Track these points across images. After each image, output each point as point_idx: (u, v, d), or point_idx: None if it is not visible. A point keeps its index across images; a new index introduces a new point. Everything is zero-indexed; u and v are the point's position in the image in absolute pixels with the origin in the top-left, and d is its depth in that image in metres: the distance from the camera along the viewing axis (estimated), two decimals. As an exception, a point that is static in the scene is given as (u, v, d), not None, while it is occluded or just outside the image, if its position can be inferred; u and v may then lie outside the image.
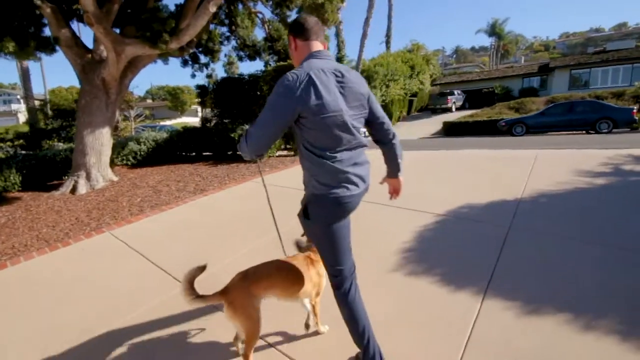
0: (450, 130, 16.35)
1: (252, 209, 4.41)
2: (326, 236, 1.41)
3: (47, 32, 5.26)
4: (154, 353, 1.93)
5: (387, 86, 20.57)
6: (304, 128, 1.30)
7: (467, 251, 2.75)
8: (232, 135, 7.36)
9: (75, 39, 5.34)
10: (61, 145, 7.52)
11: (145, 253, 3.34)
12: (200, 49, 8.61)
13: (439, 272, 2.46)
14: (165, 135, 7.81)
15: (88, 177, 5.63)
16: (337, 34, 20.26)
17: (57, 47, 5.32)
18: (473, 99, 24.81)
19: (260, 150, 1.29)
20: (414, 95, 23.94)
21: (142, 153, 7.38)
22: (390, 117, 21.09)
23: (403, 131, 19.40)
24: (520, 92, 23.86)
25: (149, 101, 47.62)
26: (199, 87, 9.69)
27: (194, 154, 8.68)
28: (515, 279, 2.27)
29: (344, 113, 1.30)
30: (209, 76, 9.24)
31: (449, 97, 23.22)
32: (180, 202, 5.03)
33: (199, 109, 40.59)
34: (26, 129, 13.22)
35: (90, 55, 5.50)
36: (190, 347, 1.95)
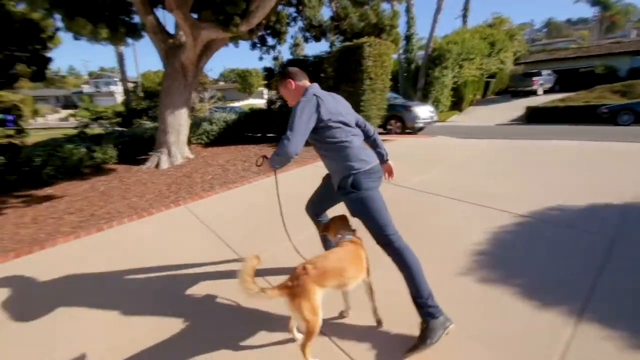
0: (534, 116, 14.42)
1: (307, 193, 4.42)
2: (376, 200, 1.78)
3: (136, 19, 5.81)
4: (211, 316, 2.05)
5: (461, 66, 18.81)
6: (323, 129, 1.81)
7: (556, 262, 2.37)
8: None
9: (159, 25, 5.80)
10: (148, 124, 8.41)
11: (213, 228, 3.58)
12: (268, 32, 8.75)
13: (518, 282, 2.16)
14: (234, 116, 8.24)
15: (169, 154, 6.22)
16: (408, 10, 18.91)
17: (144, 33, 5.84)
18: (566, 81, 21.34)
19: (298, 151, 1.71)
20: (492, 76, 21.53)
21: (213, 133, 7.92)
22: (462, 100, 19.37)
23: (476, 116, 17.73)
24: (629, 72, 19.81)
25: (221, 83, 50.85)
26: (265, 69, 9.93)
27: (259, 135, 9.04)
28: (622, 305, 1.88)
29: (344, 115, 1.89)
30: (275, 58, 9.39)
31: (535, 78, 20.34)
32: (245, 181, 5.28)
33: (265, 90, 42.16)
34: (122, 108, 15.17)
35: (171, 41, 5.95)
36: (242, 312, 2.02)
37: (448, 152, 6.29)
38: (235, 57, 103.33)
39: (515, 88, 21.15)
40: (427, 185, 4.29)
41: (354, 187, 1.78)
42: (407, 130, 9.83)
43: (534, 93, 20.07)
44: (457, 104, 19.70)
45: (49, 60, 9.78)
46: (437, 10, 17.53)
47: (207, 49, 6.14)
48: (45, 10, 3.74)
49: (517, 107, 17.26)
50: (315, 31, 8.91)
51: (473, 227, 2.99)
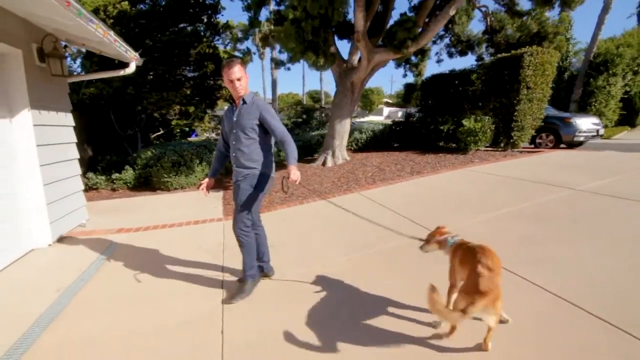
0: None
1: (464, 192, 4.88)
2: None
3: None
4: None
5: (635, 72, 15.58)
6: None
7: None
8: (442, 127, 7.93)
9: (339, 53, 7.33)
10: (312, 133, 10.28)
11: (390, 207, 4.46)
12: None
13: None
14: (380, 127, 9.32)
15: (333, 155, 7.63)
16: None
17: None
18: None
19: None
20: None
21: (362, 141, 9.14)
22: (635, 114, 15.86)
23: (658, 132, 14.30)
24: None
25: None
26: (407, 85, 10.74)
27: (396, 145, 9.86)
28: None
29: None
30: (418, 74, 10.11)
31: None
32: (402, 179, 6.09)
33: (385, 108, 43.18)
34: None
35: (344, 65, 7.40)
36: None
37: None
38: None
39: None
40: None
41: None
42: (562, 145, 8.96)
43: None
44: (627, 119, 16.27)
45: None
46: (604, 9, 15.14)
47: (372, 70, 7.35)
48: (290, 50, 5.45)
49: None
50: (462, 46, 9.25)
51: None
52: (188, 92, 11.30)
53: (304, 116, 13.12)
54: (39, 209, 3.77)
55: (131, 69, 4.74)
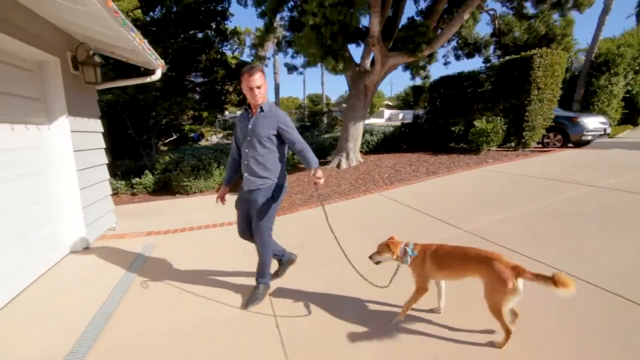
0: None
1: (483, 191, 4.99)
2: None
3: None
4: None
5: (637, 72, 15.78)
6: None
7: None
8: (453, 129, 8.05)
9: (352, 58, 7.46)
10: (324, 136, 10.40)
11: (413, 206, 4.56)
12: (421, 54, 9.72)
13: None
14: (391, 129, 9.44)
15: (347, 157, 7.74)
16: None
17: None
18: None
19: None
20: (686, 81, 17.08)
21: (373, 143, 9.26)
22: (638, 113, 16.02)
23: (662, 130, 14.46)
24: None
25: (344, 105, 55.19)
26: (414, 87, 10.89)
27: (405, 146, 9.97)
28: None
29: None
30: (425, 77, 10.26)
31: None
32: (418, 179, 6.20)
33: (386, 110, 43.48)
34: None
35: (357, 68, 7.54)
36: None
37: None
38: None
39: None
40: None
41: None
42: (570, 145, 9.08)
43: None
44: (630, 117, 16.45)
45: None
46: (604, 11, 15.36)
47: (385, 73, 7.49)
48: (310, 56, 5.56)
49: None
50: (469, 48, 9.42)
51: None
52: (197, 97, 11.45)
53: (315, 118, 13.26)
54: (76, 213, 3.86)
55: (157, 75, 4.86)
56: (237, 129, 2.52)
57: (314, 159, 2.34)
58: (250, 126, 2.38)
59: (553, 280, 1.60)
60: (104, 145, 4.68)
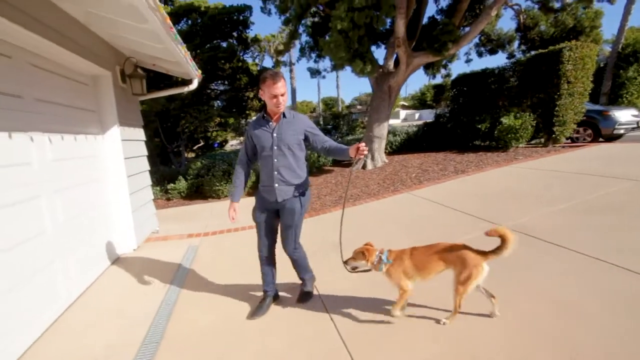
0: None
1: (517, 188, 4.94)
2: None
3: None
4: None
5: (669, 61, 15.05)
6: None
7: None
8: (479, 126, 7.98)
9: (375, 59, 7.54)
10: (348, 138, 10.49)
11: (447, 204, 4.57)
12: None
13: None
14: (414, 129, 9.44)
15: (372, 158, 7.80)
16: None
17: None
18: None
19: None
20: None
21: (396, 143, 9.27)
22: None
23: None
24: None
25: (359, 107, 55.13)
26: (436, 86, 10.83)
27: (425, 145, 9.91)
28: None
29: None
30: (447, 75, 10.20)
31: None
32: (447, 178, 6.18)
33: (401, 111, 43.08)
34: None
35: (381, 70, 7.61)
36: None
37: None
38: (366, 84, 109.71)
39: None
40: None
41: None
42: (600, 140, 8.80)
43: None
44: (663, 109, 15.69)
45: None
46: (630, 0, 14.81)
47: (409, 73, 7.54)
48: (338, 59, 5.68)
49: None
50: (492, 45, 9.31)
51: None
52: (219, 104, 11.79)
53: (336, 120, 13.38)
54: (126, 217, 4.10)
55: (194, 85, 5.09)
56: (252, 139, 2.36)
57: (345, 145, 2.29)
58: (275, 135, 2.27)
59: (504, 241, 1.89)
60: (146, 153, 4.94)
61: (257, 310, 2.52)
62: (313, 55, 8.68)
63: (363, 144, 2.03)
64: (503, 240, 1.89)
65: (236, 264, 3.56)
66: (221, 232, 4.87)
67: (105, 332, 2.46)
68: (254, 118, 2.47)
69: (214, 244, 4.35)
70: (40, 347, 2.31)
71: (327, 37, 6.26)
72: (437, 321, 2.13)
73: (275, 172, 2.29)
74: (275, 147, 2.27)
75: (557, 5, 7.93)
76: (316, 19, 7.92)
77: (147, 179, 4.90)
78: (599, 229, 3.21)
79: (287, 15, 7.01)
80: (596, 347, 1.76)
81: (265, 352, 2.10)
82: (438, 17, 9.24)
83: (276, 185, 2.30)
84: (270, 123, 2.30)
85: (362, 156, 2.03)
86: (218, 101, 12.37)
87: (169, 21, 2.80)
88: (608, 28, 43.10)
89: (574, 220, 3.50)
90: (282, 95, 2.20)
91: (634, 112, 9.28)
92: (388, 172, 7.28)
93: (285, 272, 2.73)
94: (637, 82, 14.68)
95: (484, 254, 1.97)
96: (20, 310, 2.27)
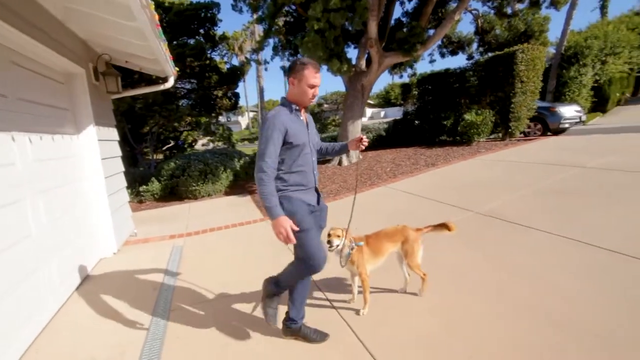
0: None
1: (484, 178, 5.41)
2: None
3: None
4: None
5: (604, 62, 16.92)
6: None
7: None
8: (444, 122, 8.52)
9: (349, 59, 7.77)
10: (322, 135, 10.66)
11: (422, 195, 4.90)
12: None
13: None
14: (385, 126, 9.84)
15: (348, 155, 8.03)
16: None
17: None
18: None
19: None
20: (646, 70, 18.52)
21: (369, 140, 9.61)
22: (606, 101, 17.21)
23: (626, 117, 15.59)
24: None
25: (325, 106, 55.69)
26: (403, 85, 11.34)
27: (395, 141, 10.38)
28: None
29: None
30: (412, 75, 10.73)
31: None
32: (420, 171, 6.58)
33: (367, 109, 44.12)
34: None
35: (353, 69, 7.85)
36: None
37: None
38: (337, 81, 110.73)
39: (682, 80, 17.67)
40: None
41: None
42: (548, 133, 9.76)
43: None
44: (599, 105, 17.61)
45: (238, 95, 13.27)
46: (572, 6, 16.40)
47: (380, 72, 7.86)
48: (316, 59, 5.78)
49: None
50: (453, 46, 9.94)
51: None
52: (187, 103, 11.46)
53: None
54: (106, 219, 3.96)
55: (170, 83, 5.00)
56: (288, 136, 1.87)
57: (337, 143, 2.30)
58: (309, 130, 2.02)
59: (447, 227, 2.33)
60: (120, 153, 4.77)
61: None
62: (286, 53, 8.76)
63: (364, 136, 2.08)
64: (447, 227, 2.34)
65: (225, 261, 3.59)
66: (204, 231, 4.83)
67: (105, 332, 2.42)
68: (275, 110, 1.91)
69: (198, 244, 4.32)
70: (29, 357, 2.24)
71: (300, 37, 6.39)
72: (414, 294, 2.42)
73: (314, 172, 2.03)
74: (311, 145, 2.01)
75: (509, 11, 8.67)
76: (289, 19, 7.99)
77: (123, 181, 4.74)
78: (557, 209, 3.66)
79: (260, 13, 7.03)
80: (564, 309, 2.08)
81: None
82: (404, 19, 9.69)
83: (316, 186, 2.06)
84: (301, 117, 1.99)
85: (363, 147, 2.05)
86: (185, 100, 12.00)
87: (157, 18, 2.78)
88: (552, 32, 47.19)
89: (536, 203, 3.94)
90: (319, 86, 1.94)
91: (577, 108, 10.39)
92: (363, 167, 7.55)
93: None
94: (577, 81, 16.32)
95: (419, 229, 2.38)
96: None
